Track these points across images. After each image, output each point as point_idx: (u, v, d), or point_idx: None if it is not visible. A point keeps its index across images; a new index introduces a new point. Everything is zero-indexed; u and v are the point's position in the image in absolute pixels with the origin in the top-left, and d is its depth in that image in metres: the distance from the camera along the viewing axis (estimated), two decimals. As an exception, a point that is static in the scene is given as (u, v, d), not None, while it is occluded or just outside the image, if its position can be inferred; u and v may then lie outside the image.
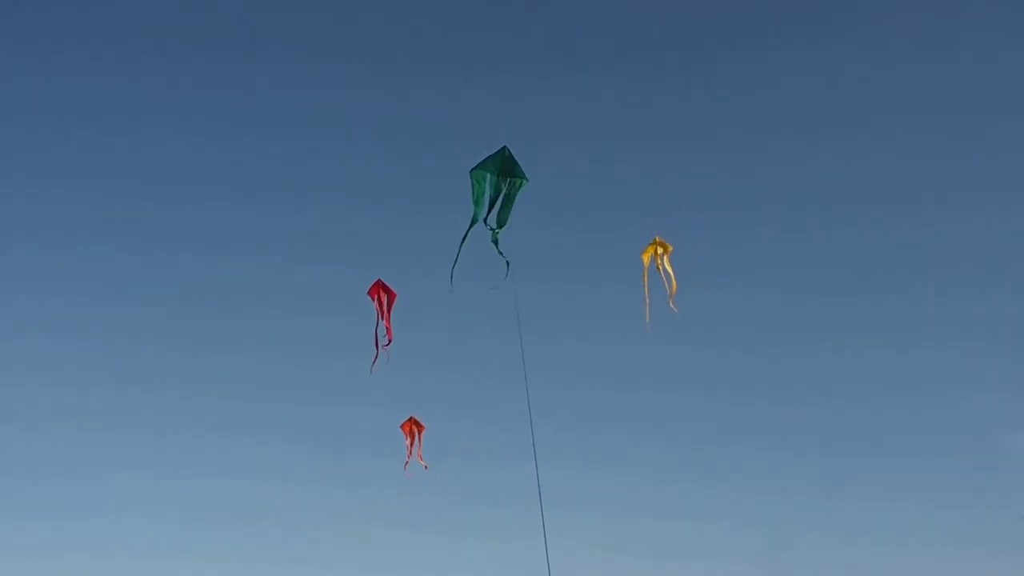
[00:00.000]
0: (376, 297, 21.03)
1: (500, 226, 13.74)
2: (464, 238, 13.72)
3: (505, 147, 13.95)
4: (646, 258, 16.30)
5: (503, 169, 13.87)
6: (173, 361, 71.38)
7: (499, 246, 13.62)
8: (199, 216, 75.94)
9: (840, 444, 62.02)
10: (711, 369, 67.10)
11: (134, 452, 67.50)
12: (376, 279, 21.09)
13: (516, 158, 13.95)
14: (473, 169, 13.89)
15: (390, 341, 20.67)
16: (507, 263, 13.74)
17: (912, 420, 62.20)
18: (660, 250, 16.46)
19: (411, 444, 23.86)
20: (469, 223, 13.81)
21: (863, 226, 70.04)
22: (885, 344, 66.26)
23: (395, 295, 21.00)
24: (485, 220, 13.75)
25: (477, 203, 13.82)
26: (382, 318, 20.87)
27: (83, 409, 68.81)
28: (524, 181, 13.95)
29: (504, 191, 13.89)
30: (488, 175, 13.80)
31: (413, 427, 23.98)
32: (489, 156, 13.97)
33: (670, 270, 16.29)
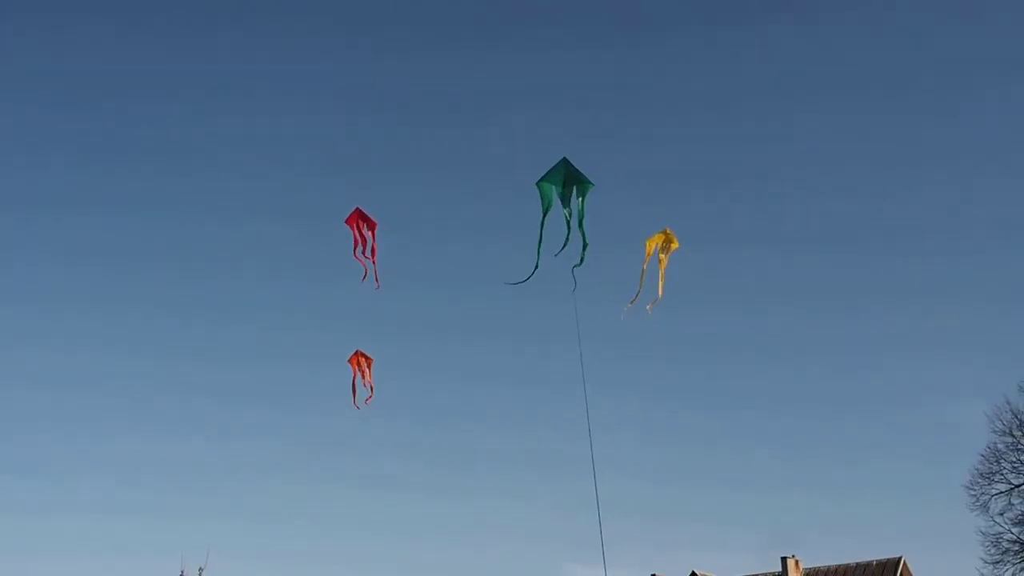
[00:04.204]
0: (355, 225, 21.22)
1: (583, 245, 14.92)
2: (539, 244, 15.01)
3: (565, 158, 15.22)
4: (650, 245, 16.21)
5: (567, 178, 15.11)
6: (128, 324, 70.27)
7: (582, 262, 14.87)
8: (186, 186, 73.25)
9: (796, 406, 66.27)
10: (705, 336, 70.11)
11: (82, 413, 66.89)
12: (355, 207, 20.81)
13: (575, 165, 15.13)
14: (539, 181, 15.15)
15: (376, 276, 20.50)
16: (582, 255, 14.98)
17: (859, 388, 66.45)
18: (664, 243, 16.20)
19: (360, 376, 23.59)
20: (539, 230, 15.04)
21: (805, 196, 72.42)
22: (837, 312, 69.67)
23: (375, 223, 20.78)
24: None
25: (545, 210, 15.01)
26: (361, 244, 20.64)
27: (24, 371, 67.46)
28: (590, 185, 15.02)
29: (574, 196, 15.00)
30: (554, 187, 14.93)
31: (360, 360, 23.90)
32: (552, 168, 15.24)
33: (662, 272, 16.03)
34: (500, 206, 74.02)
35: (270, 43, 77.82)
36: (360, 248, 20.75)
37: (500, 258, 67.48)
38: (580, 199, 14.92)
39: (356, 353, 24.11)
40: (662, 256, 16.09)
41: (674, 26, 76.83)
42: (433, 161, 76.90)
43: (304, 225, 73.22)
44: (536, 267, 14.87)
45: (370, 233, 20.85)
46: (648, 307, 15.89)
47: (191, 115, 76.86)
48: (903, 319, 71.05)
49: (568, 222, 14.90)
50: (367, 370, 23.98)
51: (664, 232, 16.19)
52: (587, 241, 14.76)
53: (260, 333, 74.86)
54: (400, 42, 77.58)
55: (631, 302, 15.84)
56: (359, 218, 20.92)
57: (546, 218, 14.89)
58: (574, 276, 14.90)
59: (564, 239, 14.90)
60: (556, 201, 15.00)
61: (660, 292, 15.90)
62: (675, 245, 16.13)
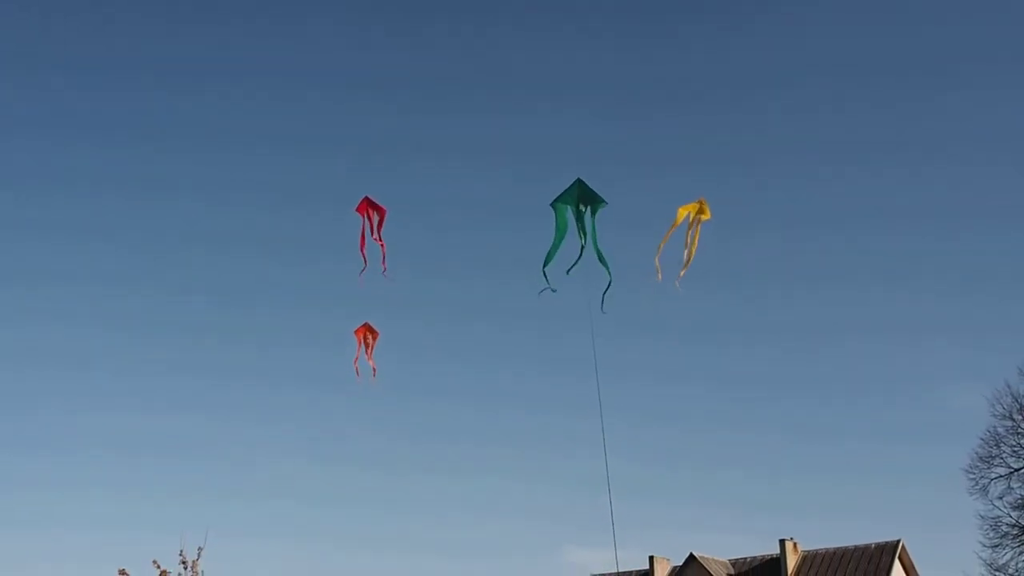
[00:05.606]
0: (365, 213, 21.13)
1: (601, 260, 14.80)
2: (548, 260, 14.92)
3: (579, 179, 15.05)
4: (682, 212, 15.76)
5: (581, 198, 15.00)
6: (130, 303, 69.98)
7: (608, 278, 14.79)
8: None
9: (798, 387, 66.02)
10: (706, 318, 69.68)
11: (83, 391, 66.91)
12: (364, 196, 20.74)
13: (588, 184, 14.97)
14: (554, 201, 15.03)
15: (384, 262, 20.54)
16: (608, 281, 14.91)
17: (859, 372, 66.16)
18: (696, 214, 15.77)
19: (364, 350, 23.51)
20: (553, 251, 14.95)
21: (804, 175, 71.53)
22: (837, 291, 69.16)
23: (385, 210, 20.76)
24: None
25: (559, 233, 14.94)
26: (372, 233, 20.65)
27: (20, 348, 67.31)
28: (602, 204, 14.98)
29: (587, 215, 14.93)
30: (568, 207, 14.86)
31: (367, 333, 23.88)
32: (566, 190, 15.08)
33: (696, 241, 15.65)
34: (507, 192, 73.74)
35: (279, 29, 77.09)
36: (371, 234, 20.76)
37: (505, 243, 67.48)
38: (592, 217, 14.87)
39: (364, 325, 24.15)
40: (692, 225, 15.75)
41: (687, 13, 75.90)
42: (441, 148, 76.39)
43: (307, 209, 72.89)
44: (550, 283, 14.95)
45: (379, 220, 20.76)
46: (676, 283, 15.54)
47: (202, 99, 76.32)
48: (904, 303, 71.04)
49: (583, 247, 14.88)
50: (372, 344, 23.95)
51: (699, 202, 15.83)
52: (610, 271, 14.73)
53: (262, 313, 74.94)
54: (410, 25, 76.78)
55: (656, 256, 15.51)
56: (368, 206, 20.90)
57: (561, 241, 14.81)
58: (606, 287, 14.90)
59: (576, 258, 14.90)
60: (572, 224, 14.93)
61: (689, 258, 15.58)
62: (707, 215, 15.72)
